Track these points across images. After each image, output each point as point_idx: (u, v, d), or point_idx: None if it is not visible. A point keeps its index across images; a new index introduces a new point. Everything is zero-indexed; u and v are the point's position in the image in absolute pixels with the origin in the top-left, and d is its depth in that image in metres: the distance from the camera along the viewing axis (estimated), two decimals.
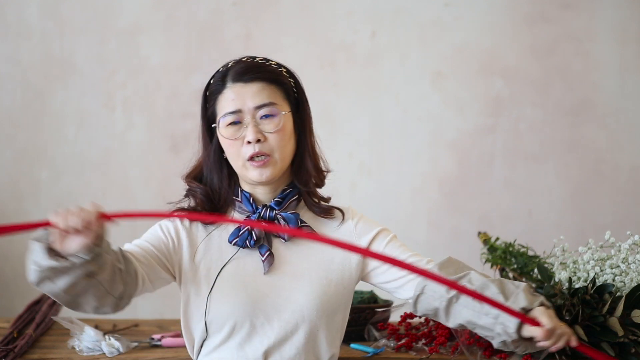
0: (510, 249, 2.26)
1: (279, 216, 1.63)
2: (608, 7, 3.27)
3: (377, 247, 1.67)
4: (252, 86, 1.60)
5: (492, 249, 2.33)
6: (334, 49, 3.28)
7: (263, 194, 1.67)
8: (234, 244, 1.62)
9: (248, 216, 1.66)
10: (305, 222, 1.65)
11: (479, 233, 2.50)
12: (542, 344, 1.41)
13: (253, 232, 1.62)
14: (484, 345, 1.88)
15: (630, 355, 1.83)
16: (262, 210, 1.64)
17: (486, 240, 2.40)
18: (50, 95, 3.23)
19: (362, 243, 1.67)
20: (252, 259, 1.62)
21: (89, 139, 3.24)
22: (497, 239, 2.36)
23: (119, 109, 3.25)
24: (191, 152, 3.47)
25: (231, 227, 1.66)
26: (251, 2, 3.27)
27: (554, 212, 3.31)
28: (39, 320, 2.13)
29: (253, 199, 1.66)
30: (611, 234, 1.99)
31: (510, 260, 2.24)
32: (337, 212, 1.68)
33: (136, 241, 1.66)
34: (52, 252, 1.39)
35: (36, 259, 1.39)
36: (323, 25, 3.28)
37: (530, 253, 2.28)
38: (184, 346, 2.01)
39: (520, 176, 3.31)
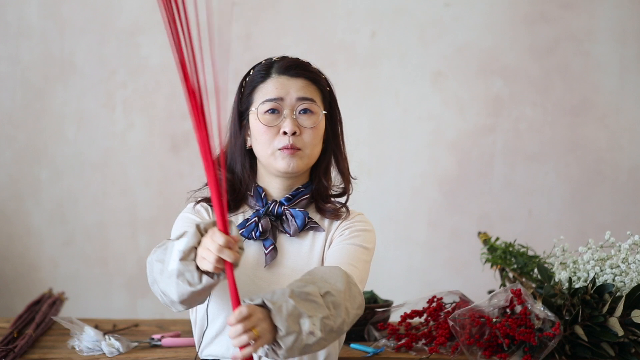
0: (510, 249, 2.26)
1: (287, 212, 1.66)
2: (608, 7, 3.27)
3: (334, 243, 1.68)
4: (296, 81, 1.66)
5: (492, 249, 2.33)
6: (334, 49, 3.28)
7: (277, 190, 1.69)
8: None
9: (257, 211, 1.67)
10: (312, 218, 1.68)
11: (479, 233, 2.50)
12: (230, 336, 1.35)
13: (260, 224, 1.63)
14: (484, 345, 1.88)
15: (630, 355, 1.83)
16: (271, 205, 1.66)
17: (486, 240, 2.40)
18: (50, 95, 3.23)
19: (329, 238, 1.69)
20: (256, 251, 1.65)
21: (89, 139, 3.24)
22: (497, 239, 2.36)
23: (119, 109, 3.25)
24: (191, 152, 3.49)
25: (240, 217, 1.69)
26: (251, 2, 3.28)
27: (554, 212, 3.31)
28: (39, 320, 2.13)
29: (265, 195, 1.68)
30: (611, 234, 1.99)
31: (510, 260, 2.24)
32: (343, 212, 1.72)
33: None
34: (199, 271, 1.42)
35: (190, 279, 1.41)
36: (323, 25, 3.28)
37: (530, 253, 2.28)
38: (184, 346, 2.01)
39: (520, 176, 3.31)
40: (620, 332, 1.80)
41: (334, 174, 1.76)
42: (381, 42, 3.28)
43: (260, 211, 1.66)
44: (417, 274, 3.28)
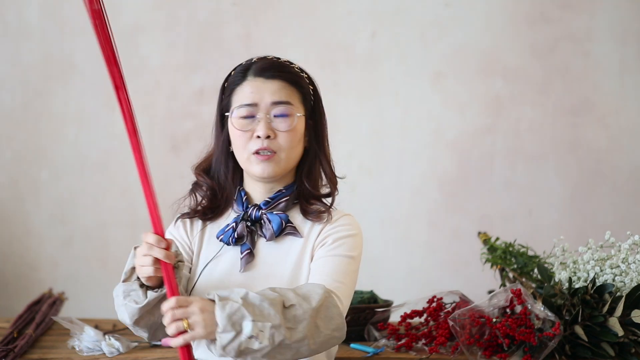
0: (510, 249, 2.26)
1: (264, 216, 1.64)
2: (608, 7, 3.27)
3: (318, 252, 1.61)
4: (272, 83, 1.62)
5: (492, 249, 2.33)
6: (334, 49, 3.28)
7: (259, 193, 1.68)
8: (220, 240, 1.65)
9: (237, 215, 1.67)
10: (291, 223, 1.63)
11: (479, 233, 2.50)
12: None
13: (236, 230, 1.63)
14: (484, 345, 1.88)
15: (630, 355, 1.83)
16: (250, 210, 1.65)
17: (486, 240, 2.40)
18: (50, 95, 3.23)
19: (310, 244, 1.63)
20: (232, 256, 1.64)
21: (89, 139, 3.24)
22: (497, 239, 2.36)
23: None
24: (191, 152, 3.47)
25: (223, 222, 1.69)
26: (251, 2, 3.28)
27: (554, 212, 3.31)
28: (39, 320, 2.13)
29: (247, 198, 1.68)
30: (611, 234, 1.99)
31: (510, 260, 2.24)
32: (325, 215, 1.64)
33: None
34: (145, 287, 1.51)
35: (136, 298, 1.49)
36: (323, 25, 3.28)
37: (530, 253, 2.28)
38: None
39: (520, 176, 3.31)
40: (620, 332, 1.80)
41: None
42: (381, 42, 3.28)
43: (239, 216, 1.66)
44: (417, 274, 3.28)
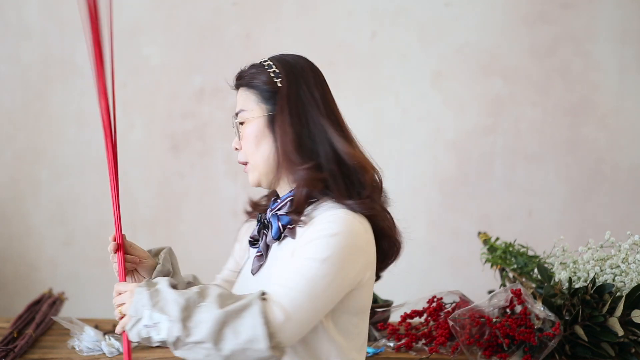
0: (510, 249, 2.26)
1: (270, 219, 1.57)
2: (608, 7, 3.27)
3: (298, 253, 1.46)
4: (238, 93, 1.60)
5: (492, 249, 2.33)
6: (334, 49, 3.28)
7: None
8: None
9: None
10: (289, 225, 1.52)
11: (479, 233, 2.50)
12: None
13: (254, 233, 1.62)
14: (484, 345, 1.88)
15: (630, 355, 1.83)
16: (266, 213, 1.61)
17: (486, 240, 2.40)
18: (50, 95, 3.23)
19: (296, 246, 1.49)
20: (251, 258, 1.63)
21: (89, 139, 3.24)
22: (497, 239, 2.36)
23: (119, 109, 3.24)
24: (191, 152, 3.49)
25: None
26: (251, 2, 3.27)
27: (554, 212, 3.31)
28: (39, 320, 2.13)
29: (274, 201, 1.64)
30: (611, 234, 1.99)
31: (510, 260, 2.24)
32: (305, 218, 1.50)
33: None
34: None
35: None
36: (323, 25, 3.28)
37: (530, 253, 2.28)
38: None
39: (520, 176, 3.31)
40: (620, 332, 1.80)
41: None
42: (381, 42, 3.28)
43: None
44: (417, 274, 3.28)
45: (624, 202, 3.31)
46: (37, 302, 2.31)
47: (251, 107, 1.56)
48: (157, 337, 1.36)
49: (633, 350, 1.83)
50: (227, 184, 3.23)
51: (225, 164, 3.22)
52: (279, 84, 1.54)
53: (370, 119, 3.29)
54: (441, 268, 3.30)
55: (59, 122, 3.23)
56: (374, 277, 1.52)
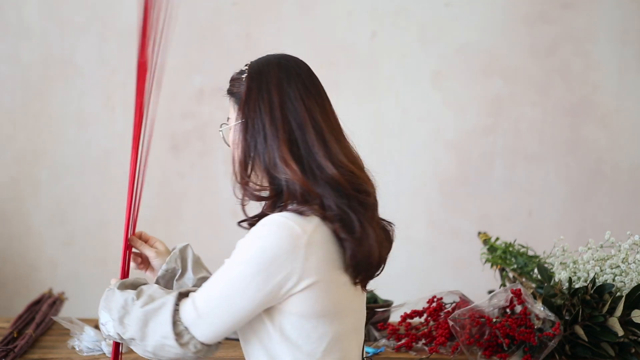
0: (510, 249, 2.26)
1: None
2: (608, 7, 3.27)
3: None
4: None
5: (492, 249, 2.33)
6: (334, 49, 3.28)
7: None
8: None
9: None
10: None
11: (479, 233, 2.50)
12: None
13: None
14: (484, 345, 1.88)
15: (630, 355, 1.83)
16: None
17: (486, 240, 2.40)
18: (50, 95, 3.23)
19: None
20: None
21: (89, 139, 3.24)
22: (497, 239, 2.36)
23: (119, 109, 3.25)
24: (191, 152, 3.49)
25: None
26: (251, 2, 3.27)
27: (554, 212, 3.31)
28: (39, 320, 2.13)
29: None
30: (611, 234, 1.99)
31: (510, 260, 2.24)
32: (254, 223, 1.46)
33: None
34: None
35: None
36: (323, 25, 3.28)
37: (530, 253, 2.28)
38: None
39: (520, 176, 3.31)
40: (620, 332, 1.80)
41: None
42: (381, 42, 3.28)
43: None
44: (417, 274, 3.28)
45: (624, 202, 3.31)
46: (37, 302, 2.31)
47: (232, 114, 1.54)
48: (108, 334, 1.46)
49: (633, 350, 1.83)
50: (227, 184, 3.21)
51: (225, 164, 3.22)
52: (252, 75, 1.51)
53: (370, 119, 3.29)
54: (441, 268, 3.30)
55: (59, 122, 3.23)
56: (328, 282, 1.40)
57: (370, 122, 3.29)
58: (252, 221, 1.46)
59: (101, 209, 3.26)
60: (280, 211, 1.40)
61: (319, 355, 1.43)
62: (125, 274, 1.60)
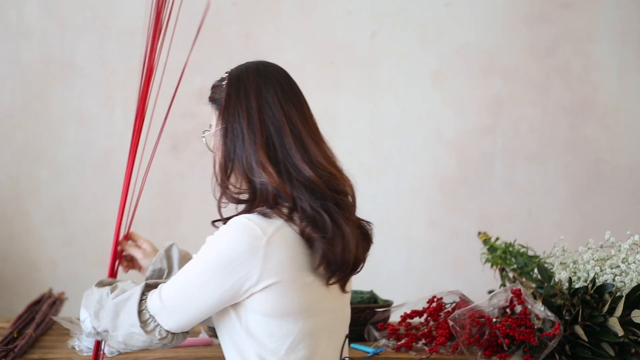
0: (510, 249, 2.26)
1: None
2: (608, 7, 3.27)
3: None
4: None
5: (492, 249, 2.32)
6: (334, 49, 3.28)
7: None
8: None
9: None
10: None
11: (479, 233, 2.50)
12: None
13: None
14: (484, 345, 1.88)
15: (630, 355, 1.83)
16: None
17: (486, 240, 2.40)
18: (50, 95, 3.23)
19: None
20: None
21: (89, 139, 3.24)
22: (497, 239, 2.36)
23: (119, 109, 3.25)
24: (191, 152, 3.50)
25: None
26: (251, 2, 3.27)
27: (554, 212, 3.31)
28: (39, 320, 2.13)
29: None
30: (611, 234, 1.99)
31: (510, 260, 2.24)
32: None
33: None
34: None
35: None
36: (323, 25, 3.28)
37: (530, 253, 2.28)
38: (185, 346, 2.01)
39: (520, 176, 3.31)
40: (620, 332, 1.80)
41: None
42: (381, 42, 3.28)
43: None
44: (417, 274, 3.28)
45: (624, 202, 3.31)
46: (37, 302, 2.31)
47: (212, 121, 1.59)
48: (87, 331, 1.55)
49: (633, 350, 1.83)
50: None
51: None
52: (229, 83, 1.56)
53: (370, 119, 3.29)
54: (441, 268, 3.30)
55: (59, 122, 3.23)
56: (290, 282, 1.44)
57: (370, 122, 3.29)
58: (226, 222, 1.49)
59: (101, 209, 3.26)
60: (247, 213, 1.46)
61: (282, 353, 1.46)
62: (113, 274, 1.69)
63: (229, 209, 1.52)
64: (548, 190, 3.31)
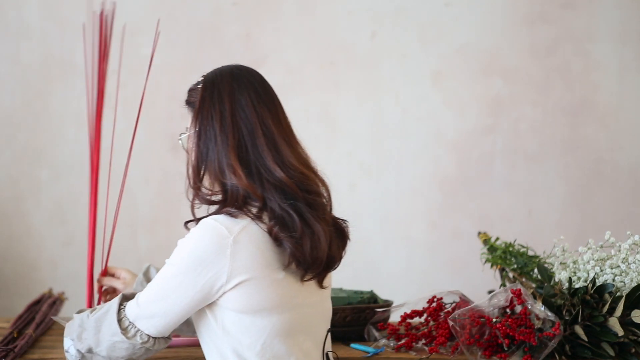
0: (510, 249, 2.26)
1: None
2: (608, 7, 3.28)
3: None
4: None
5: (492, 249, 2.33)
6: (334, 49, 3.28)
7: None
8: None
9: None
10: None
11: (479, 233, 2.50)
12: None
13: None
14: (484, 345, 1.88)
15: (630, 355, 1.83)
16: None
17: (486, 240, 2.40)
18: (50, 95, 3.23)
19: None
20: None
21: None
22: (497, 239, 2.36)
23: (119, 109, 3.24)
24: None
25: None
26: (251, 2, 3.28)
27: (554, 212, 3.31)
28: (39, 320, 2.13)
29: None
30: (611, 234, 1.99)
31: (510, 260, 2.24)
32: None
33: None
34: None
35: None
36: (323, 25, 3.28)
37: (530, 253, 2.28)
38: (185, 346, 2.01)
39: (520, 176, 3.31)
40: (620, 332, 1.80)
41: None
42: (381, 42, 3.28)
43: None
44: (417, 274, 3.28)
45: (624, 202, 3.31)
46: (37, 302, 2.31)
47: (191, 122, 1.61)
48: (71, 359, 1.58)
49: (633, 350, 1.83)
50: None
51: None
52: (205, 86, 1.61)
53: (370, 119, 3.29)
54: (441, 268, 3.30)
55: (59, 122, 3.23)
56: (260, 279, 1.47)
57: (370, 122, 3.29)
58: (198, 223, 1.53)
59: (101, 209, 3.26)
60: (216, 214, 1.49)
61: (259, 348, 1.50)
62: (90, 305, 1.76)
63: (204, 209, 1.55)
64: (548, 190, 3.31)
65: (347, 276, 3.15)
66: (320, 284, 1.57)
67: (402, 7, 3.28)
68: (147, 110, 3.26)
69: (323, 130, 3.27)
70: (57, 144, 3.24)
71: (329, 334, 1.64)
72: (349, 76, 3.28)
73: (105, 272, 1.91)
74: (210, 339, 1.54)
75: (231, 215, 1.48)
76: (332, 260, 1.55)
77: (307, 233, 1.49)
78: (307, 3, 3.28)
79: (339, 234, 1.59)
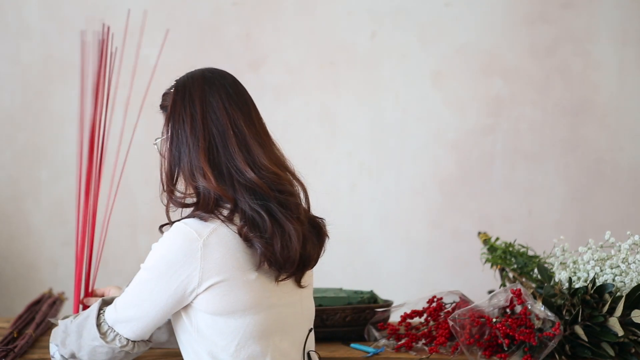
0: (510, 249, 2.26)
1: None
2: (608, 7, 3.28)
3: None
4: None
5: (492, 249, 2.33)
6: (334, 49, 3.28)
7: None
8: None
9: None
10: None
11: (479, 233, 2.50)
12: None
13: None
14: (484, 345, 1.88)
15: (630, 355, 1.83)
16: None
17: (486, 240, 2.40)
18: (50, 95, 3.23)
19: None
20: None
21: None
22: (497, 239, 2.36)
23: (119, 109, 3.24)
24: None
25: None
26: (251, 2, 3.28)
27: (554, 212, 3.31)
28: (39, 320, 2.13)
29: None
30: (611, 234, 1.99)
31: (510, 260, 2.24)
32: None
33: None
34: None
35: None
36: (323, 25, 3.28)
37: (530, 253, 2.28)
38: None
39: (520, 176, 3.31)
40: (620, 332, 1.80)
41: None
42: (381, 42, 3.28)
43: None
44: (417, 274, 3.28)
45: (624, 202, 3.31)
46: (37, 302, 2.31)
47: (164, 127, 1.61)
48: None
49: (633, 350, 1.83)
50: None
51: None
52: (176, 90, 1.62)
53: (370, 119, 3.29)
54: (441, 268, 3.30)
55: (59, 122, 3.23)
56: (232, 280, 1.48)
57: (370, 122, 3.29)
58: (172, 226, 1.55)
59: (101, 208, 3.26)
60: (187, 218, 1.50)
61: (233, 350, 1.51)
62: (77, 310, 1.79)
63: (179, 212, 1.56)
64: (548, 190, 3.31)
65: (347, 276, 3.16)
66: (298, 283, 1.57)
67: (402, 7, 3.28)
68: (147, 110, 3.27)
69: (323, 130, 3.27)
70: (57, 144, 3.24)
71: (311, 333, 1.63)
72: (349, 76, 3.28)
73: (92, 294, 1.94)
74: (187, 341, 1.55)
75: (201, 218, 1.49)
76: (307, 260, 1.54)
77: (277, 233, 1.48)
78: (307, 3, 3.28)
79: (315, 232, 1.58)
